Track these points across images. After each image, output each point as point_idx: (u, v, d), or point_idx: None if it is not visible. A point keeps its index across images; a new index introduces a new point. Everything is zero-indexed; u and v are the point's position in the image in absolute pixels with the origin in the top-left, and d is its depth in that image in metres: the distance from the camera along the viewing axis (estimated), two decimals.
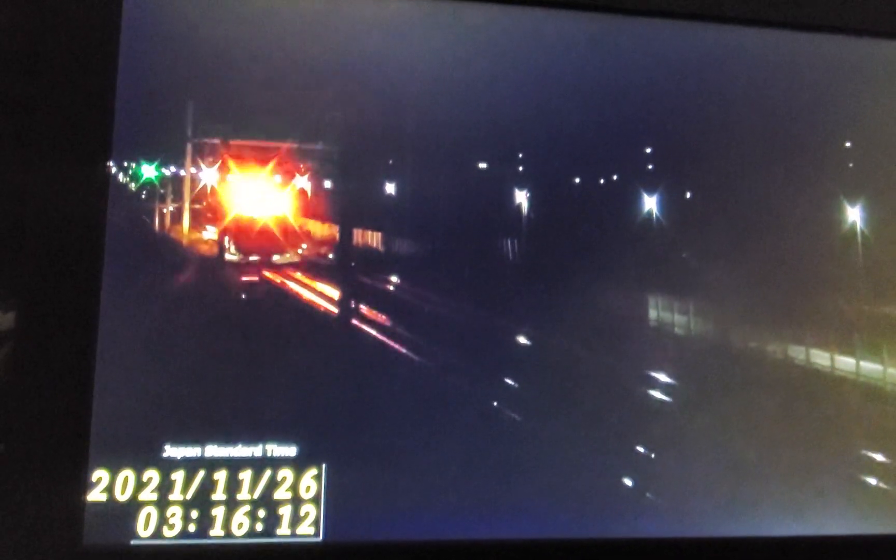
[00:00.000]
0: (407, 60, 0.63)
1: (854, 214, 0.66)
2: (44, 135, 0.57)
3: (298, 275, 0.61)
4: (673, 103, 0.65)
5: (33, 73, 0.58)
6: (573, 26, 0.65)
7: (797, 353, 0.64)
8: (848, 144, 0.67)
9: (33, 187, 0.57)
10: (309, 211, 0.61)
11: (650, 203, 0.64)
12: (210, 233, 0.60)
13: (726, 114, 0.66)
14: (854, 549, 0.62)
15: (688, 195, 0.65)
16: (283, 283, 0.60)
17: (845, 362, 0.65)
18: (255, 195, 0.61)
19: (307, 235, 0.61)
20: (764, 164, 0.66)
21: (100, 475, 0.56)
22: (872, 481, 0.64)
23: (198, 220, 0.60)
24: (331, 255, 0.61)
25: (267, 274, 0.60)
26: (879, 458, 0.64)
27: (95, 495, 0.56)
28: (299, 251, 0.61)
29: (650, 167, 0.64)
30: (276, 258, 0.61)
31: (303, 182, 0.61)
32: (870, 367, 0.65)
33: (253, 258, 0.60)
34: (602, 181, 0.64)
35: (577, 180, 0.64)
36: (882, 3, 0.68)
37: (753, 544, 0.61)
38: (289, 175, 0.61)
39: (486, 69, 0.64)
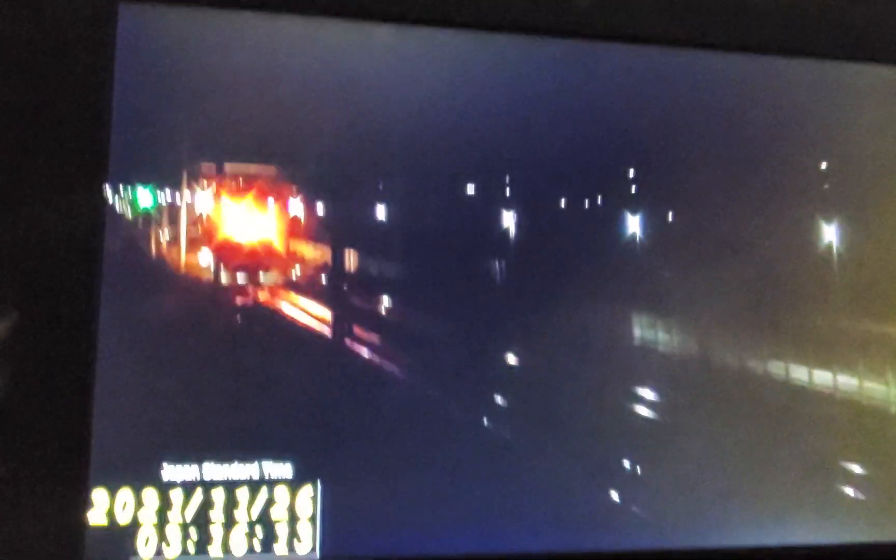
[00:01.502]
0: (394, 86, 0.64)
1: (830, 233, 0.68)
2: (39, 157, 0.58)
3: (292, 295, 0.62)
4: (655, 127, 0.67)
5: (28, 93, 0.59)
6: (557, 53, 0.67)
7: (778, 368, 0.66)
8: (824, 166, 0.69)
9: (30, 209, 0.57)
10: (298, 233, 0.62)
11: (633, 224, 0.66)
12: (204, 255, 0.61)
13: (708, 136, 0.68)
14: (837, 559, 0.64)
15: (670, 216, 0.67)
16: (276, 304, 0.61)
17: (823, 376, 0.66)
18: (243, 218, 0.62)
19: (297, 256, 0.62)
20: (744, 186, 0.68)
21: (100, 496, 0.57)
22: (852, 492, 0.66)
23: (192, 243, 0.61)
24: (323, 276, 0.62)
25: (261, 295, 0.61)
26: (860, 469, 0.66)
27: (95, 516, 0.56)
28: (293, 275, 0.62)
29: (633, 189, 0.66)
30: (262, 278, 0.62)
31: (293, 205, 0.62)
32: (847, 381, 0.67)
33: (240, 276, 0.61)
34: (587, 203, 0.65)
35: (563, 202, 0.65)
36: (857, 31, 0.70)
37: (738, 555, 0.63)
38: (276, 198, 0.62)
39: (471, 95, 0.65)
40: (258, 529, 0.58)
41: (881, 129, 0.71)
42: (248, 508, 0.58)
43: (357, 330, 0.62)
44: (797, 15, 0.69)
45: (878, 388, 0.67)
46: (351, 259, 0.63)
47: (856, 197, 0.69)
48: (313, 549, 0.59)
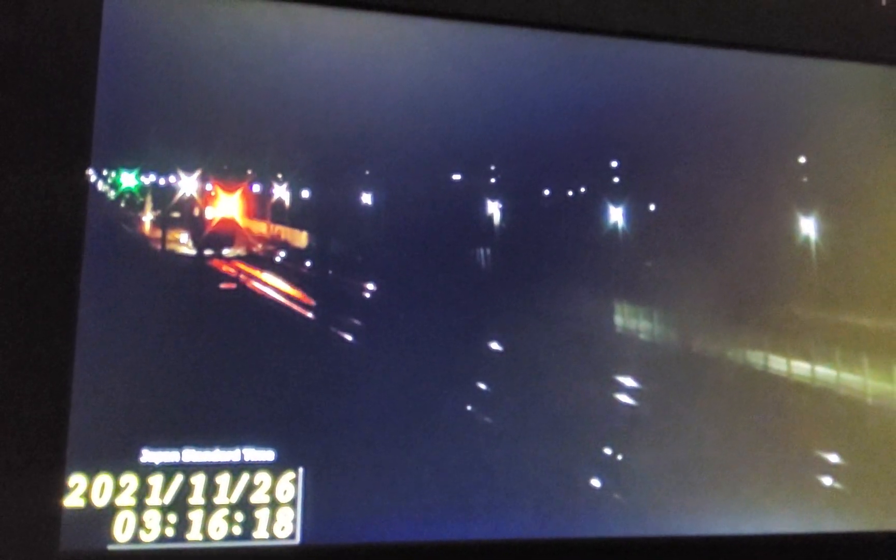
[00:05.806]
0: (381, 75, 0.65)
1: (808, 225, 0.69)
2: (24, 142, 0.58)
3: (276, 280, 0.62)
4: (638, 120, 0.68)
5: (13, 81, 0.58)
6: (543, 46, 0.68)
7: (757, 358, 0.67)
8: (803, 160, 0.70)
9: (12, 191, 0.57)
10: (282, 218, 0.62)
11: (616, 214, 0.66)
12: (186, 240, 0.61)
13: (690, 129, 0.69)
14: (813, 547, 0.65)
15: (652, 207, 0.67)
16: (260, 289, 0.61)
17: (802, 367, 0.67)
18: (224, 203, 0.62)
19: (281, 243, 0.62)
20: (725, 179, 0.69)
21: (77, 480, 0.56)
22: (828, 481, 0.66)
23: (174, 228, 0.61)
24: (308, 263, 0.62)
25: (244, 280, 0.61)
26: (838, 459, 0.67)
27: (72, 500, 0.56)
28: (277, 261, 0.62)
29: (616, 180, 0.67)
30: (244, 263, 0.61)
31: (278, 190, 0.62)
32: (824, 371, 0.68)
33: (222, 260, 0.61)
34: (571, 193, 0.66)
35: (547, 192, 0.66)
36: (834, 27, 0.72)
37: (717, 543, 0.64)
38: (261, 184, 0.62)
39: (458, 85, 0.66)
40: (238, 515, 0.58)
41: (859, 124, 0.72)
42: (229, 493, 0.58)
43: (341, 316, 0.62)
44: (780, 12, 0.71)
45: (854, 378, 0.68)
46: (336, 246, 0.63)
47: (834, 190, 0.71)
48: (293, 536, 0.59)
